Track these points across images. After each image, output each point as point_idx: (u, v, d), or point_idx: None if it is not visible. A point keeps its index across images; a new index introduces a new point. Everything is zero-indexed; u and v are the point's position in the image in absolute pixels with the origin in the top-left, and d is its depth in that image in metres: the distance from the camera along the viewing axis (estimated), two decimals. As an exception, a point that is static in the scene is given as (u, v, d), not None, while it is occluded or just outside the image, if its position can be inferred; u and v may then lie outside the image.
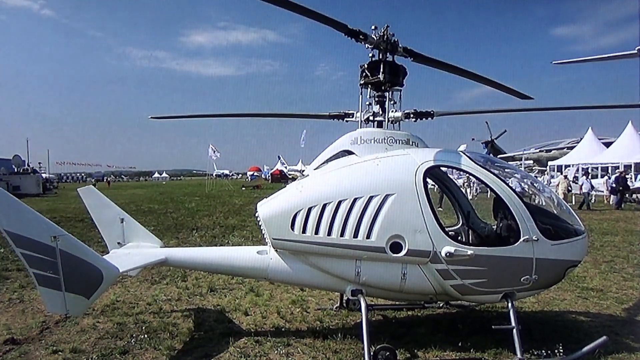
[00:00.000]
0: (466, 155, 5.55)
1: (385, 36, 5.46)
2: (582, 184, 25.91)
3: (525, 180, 6.48)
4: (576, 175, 33.56)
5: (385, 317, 6.85)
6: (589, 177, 27.49)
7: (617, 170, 29.34)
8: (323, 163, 5.76)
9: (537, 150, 59.33)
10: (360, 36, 5.23)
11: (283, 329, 6.31)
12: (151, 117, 6.91)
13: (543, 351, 5.28)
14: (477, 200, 18.89)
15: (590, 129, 39.08)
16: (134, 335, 6.03)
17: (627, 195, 25.26)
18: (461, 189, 8.05)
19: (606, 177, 29.36)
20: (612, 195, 25.85)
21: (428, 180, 5.38)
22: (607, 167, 33.15)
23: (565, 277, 5.78)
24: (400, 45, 5.53)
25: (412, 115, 6.05)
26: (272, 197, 5.61)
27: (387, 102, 5.91)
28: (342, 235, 5.09)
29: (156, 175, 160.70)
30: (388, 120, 5.91)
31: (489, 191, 5.64)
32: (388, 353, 4.99)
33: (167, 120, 7.41)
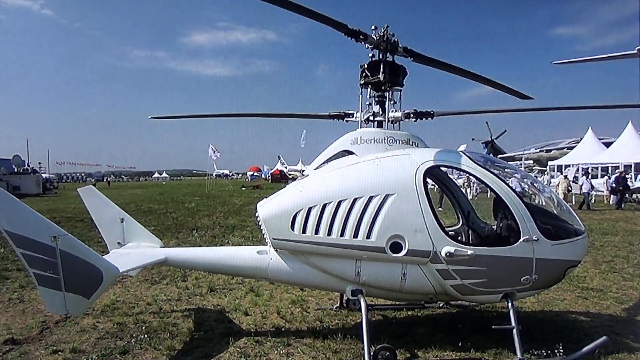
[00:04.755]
0: (466, 155, 5.55)
1: (385, 36, 5.46)
2: (582, 184, 25.91)
3: (525, 180, 6.48)
4: (576, 175, 33.56)
5: (385, 317, 6.85)
6: (589, 177, 27.48)
7: (617, 170, 29.34)
8: (323, 163, 5.77)
9: (537, 150, 59.37)
10: (360, 36, 5.23)
11: (283, 329, 6.31)
12: (151, 117, 6.91)
13: (543, 351, 5.28)
14: (477, 200, 18.87)
15: (590, 129, 39.10)
16: (134, 335, 6.03)
17: (627, 195, 25.26)
18: (461, 189, 8.05)
19: (606, 177, 29.36)
20: (612, 195, 25.86)
21: (428, 180, 5.38)
22: (607, 167, 33.13)
23: (565, 277, 5.79)
24: (400, 45, 5.53)
25: (412, 115, 6.05)
26: (272, 197, 5.61)
27: (387, 102, 5.91)
28: (342, 235, 5.09)
29: (156, 175, 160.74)
30: (388, 120, 5.91)
31: (489, 191, 5.65)
32: (388, 353, 4.99)
33: (167, 120, 7.41)
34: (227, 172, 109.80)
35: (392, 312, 6.97)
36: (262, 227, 5.49)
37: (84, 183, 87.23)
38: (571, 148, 45.21)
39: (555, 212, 5.87)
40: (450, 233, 5.38)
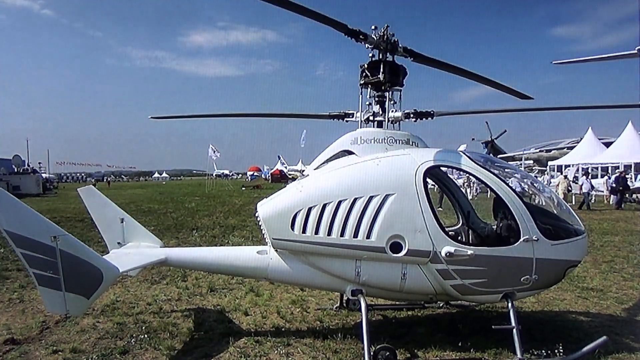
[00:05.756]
0: (466, 155, 5.55)
1: (385, 36, 5.46)
2: (582, 184, 25.89)
3: (525, 180, 6.48)
4: (576, 175, 33.55)
5: (385, 317, 6.85)
6: (589, 177, 27.47)
7: (617, 170, 29.33)
8: (323, 163, 5.77)
9: (537, 150, 59.38)
10: (360, 36, 5.23)
11: (283, 329, 6.31)
12: (151, 117, 6.91)
13: (543, 351, 5.28)
14: (477, 200, 18.85)
15: (590, 129, 39.08)
16: (134, 335, 6.03)
17: (627, 195, 25.25)
18: (461, 189, 8.05)
19: (606, 177, 29.34)
20: (612, 195, 25.84)
21: (428, 180, 5.38)
22: (607, 167, 33.13)
23: (565, 277, 5.79)
24: (400, 45, 5.52)
25: (412, 115, 6.05)
26: (272, 197, 5.61)
27: (387, 102, 5.91)
28: (342, 235, 5.09)
29: (156, 175, 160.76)
30: (388, 120, 5.91)
31: (489, 191, 5.64)
32: (388, 353, 4.99)
33: (167, 120, 7.41)
34: (227, 172, 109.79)
35: (392, 312, 6.97)
36: (262, 227, 5.49)
37: (84, 183, 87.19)
38: (571, 148, 45.19)
39: (555, 212, 5.87)
40: (450, 233, 5.38)
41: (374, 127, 6.01)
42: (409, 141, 5.74)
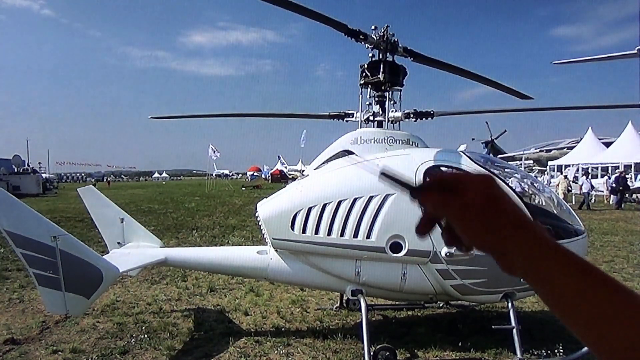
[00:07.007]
0: (466, 155, 5.55)
1: (385, 36, 5.47)
2: (582, 184, 25.88)
3: (525, 180, 6.48)
4: (576, 175, 33.53)
5: (385, 317, 6.85)
6: (589, 177, 27.46)
7: (617, 170, 29.31)
8: (323, 163, 5.76)
9: (537, 150, 59.31)
10: (360, 36, 5.23)
11: (283, 329, 6.32)
12: (151, 117, 6.92)
13: (543, 351, 5.28)
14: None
15: (590, 129, 39.03)
16: (134, 335, 6.03)
17: (627, 195, 25.25)
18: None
19: (606, 177, 29.34)
20: (612, 195, 25.84)
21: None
22: (607, 167, 33.11)
23: (565, 277, 5.78)
24: (400, 45, 5.53)
25: (412, 115, 6.05)
26: (272, 197, 5.61)
27: (387, 102, 5.91)
28: (342, 235, 5.09)
29: (156, 175, 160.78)
30: (388, 120, 5.91)
31: (489, 191, 5.64)
32: (388, 353, 4.99)
33: (167, 120, 7.42)
34: (227, 172, 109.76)
35: (392, 312, 6.97)
36: (262, 227, 5.49)
37: (84, 183, 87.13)
38: (571, 148, 45.13)
39: (555, 212, 5.87)
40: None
41: (374, 127, 6.01)
42: (409, 141, 5.74)
